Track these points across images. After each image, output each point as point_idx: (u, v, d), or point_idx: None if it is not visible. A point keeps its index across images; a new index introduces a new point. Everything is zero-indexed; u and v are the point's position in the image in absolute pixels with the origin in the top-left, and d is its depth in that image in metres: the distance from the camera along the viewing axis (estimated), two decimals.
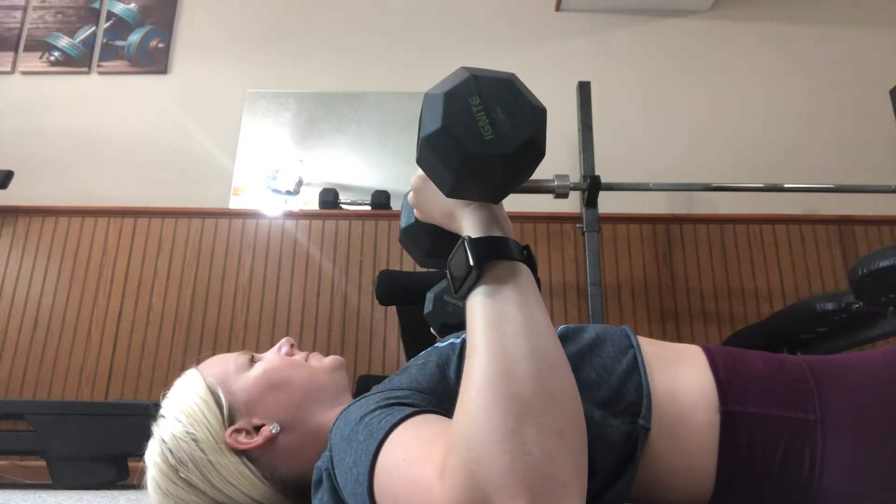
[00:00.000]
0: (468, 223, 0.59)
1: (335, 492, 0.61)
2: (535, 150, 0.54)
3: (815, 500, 0.64)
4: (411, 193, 0.70)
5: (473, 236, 0.56)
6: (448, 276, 0.57)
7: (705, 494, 0.66)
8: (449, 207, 0.62)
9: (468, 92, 0.53)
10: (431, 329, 0.96)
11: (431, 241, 0.73)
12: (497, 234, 0.57)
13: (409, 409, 0.56)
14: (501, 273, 0.53)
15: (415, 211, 0.71)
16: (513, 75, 0.57)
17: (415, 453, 0.50)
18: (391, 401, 0.58)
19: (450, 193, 0.58)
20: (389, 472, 0.50)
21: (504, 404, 0.44)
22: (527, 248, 0.57)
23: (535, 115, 0.55)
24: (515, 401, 0.44)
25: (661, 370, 0.69)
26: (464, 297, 0.54)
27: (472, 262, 0.53)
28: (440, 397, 0.64)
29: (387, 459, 0.51)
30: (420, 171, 0.65)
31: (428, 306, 0.93)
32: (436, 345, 0.75)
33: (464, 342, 0.72)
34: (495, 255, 0.54)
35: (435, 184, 0.58)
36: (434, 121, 0.53)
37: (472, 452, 0.43)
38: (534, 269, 0.57)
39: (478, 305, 0.52)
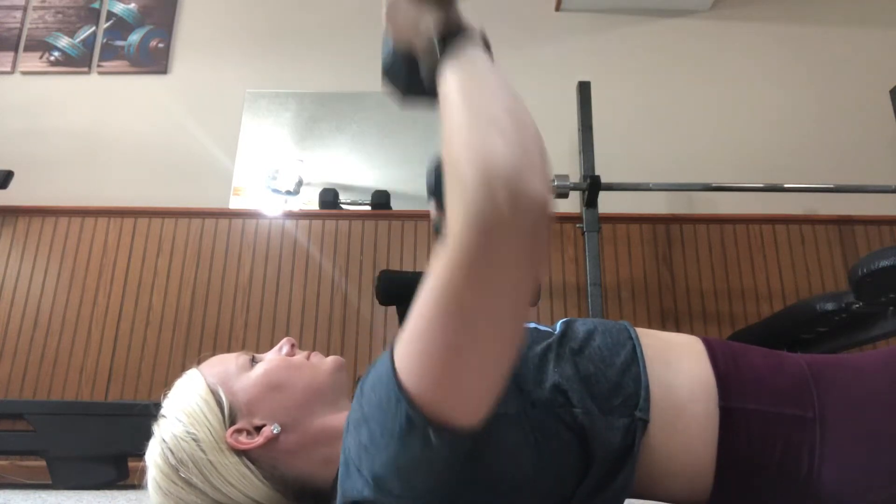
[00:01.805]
0: (431, 19, 0.64)
1: (346, 464, 0.62)
2: None
3: (814, 497, 0.65)
4: (384, 12, 0.72)
5: (435, 27, 0.62)
6: (422, 72, 0.64)
7: (705, 489, 0.66)
8: (414, 14, 0.66)
9: None
10: (432, 213, 0.92)
11: (408, 70, 0.75)
12: (455, 20, 0.62)
13: None
14: (466, 51, 0.59)
15: (389, 32, 0.73)
16: None
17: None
18: None
19: None
20: (405, 335, 0.56)
21: (476, 130, 0.50)
22: (483, 32, 0.63)
23: None
24: (486, 124, 0.50)
25: (660, 362, 0.69)
26: (436, 89, 0.59)
27: (437, 46, 0.60)
28: None
29: (402, 342, 0.56)
30: None
31: (429, 179, 0.91)
32: None
33: None
34: (457, 35, 0.60)
35: None
36: None
37: (458, 180, 0.48)
38: (490, 51, 0.62)
39: (447, 76, 0.57)
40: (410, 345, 0.54)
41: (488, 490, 0.62)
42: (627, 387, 0.67)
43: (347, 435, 0.63)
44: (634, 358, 0.69)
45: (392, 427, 0.54)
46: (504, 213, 0.45)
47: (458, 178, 0.48)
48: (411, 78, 0.74)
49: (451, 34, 0.61)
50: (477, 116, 0.51)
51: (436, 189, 0.81)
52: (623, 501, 0.67)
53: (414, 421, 0.52)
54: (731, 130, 2.91)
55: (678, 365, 0.70)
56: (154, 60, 3.09)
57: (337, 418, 0.74)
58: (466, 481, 0.60)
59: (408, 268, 2.68)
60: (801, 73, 2.98)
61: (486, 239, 0.46)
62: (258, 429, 0.73)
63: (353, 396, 0.80)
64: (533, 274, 0.49)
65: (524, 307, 0.50)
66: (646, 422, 0.65)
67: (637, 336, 0.72)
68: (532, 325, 0.75)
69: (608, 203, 2.53)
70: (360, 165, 2.95)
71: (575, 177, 2.49)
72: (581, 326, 0.73)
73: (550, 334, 0.72)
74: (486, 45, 0.62)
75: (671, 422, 0.66)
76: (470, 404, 0.53)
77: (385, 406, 0.55)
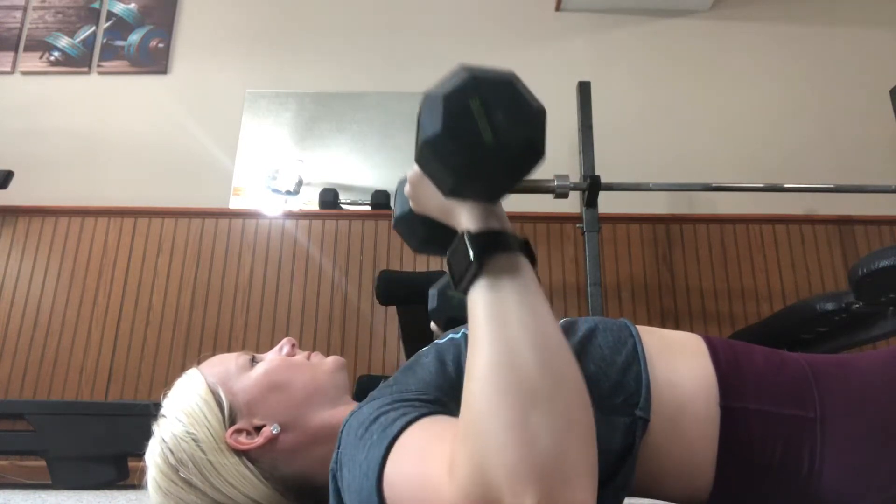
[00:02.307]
0: (466, 217, 0.58)
1: (338, 493, 0.61)
2: (534, 152, 0.54)
3: (814, 496, 0.65)
4: (408, 186, 0.69)
5: (472, 230, 0.56)
6: (448, 270, 0.57)
7: (705, 488, 0.66)
8: (446, 204, 0.62)
9: (468, 93, 0.52)
10: (433, 325, 0.96)
11: (426, 230, 0.73)
12: (496, 227, 0.57)
13: (423, 410, 0.56)
14: (502, 266, 0.52)
15: (410, 203, 0.71)
16: (513, 74, 0.56)
17: (424, 449, 0.50)
18: (404, 402, 0.59)
19: (449, 195, 0.58)
20: (399, 466, 0.51)
21: (509, 394, 0.44)
22: (525, 241, 0.57)
23: (535, 117, 0.54)
24: (520, 390, 0.44)
25: (661, 361, 0.69)
26: (464, 292, 0.54)
27: (472, 256, 0.53)
28: (444, 392, 0.64)
29: (397, 455, 0.52)
30: (416, 167, 0.65)
31: (432, 302, 0.92)
32: (435, 342, 0.75)
33: (464, 336, 0.72)
34: (495, 248, 0.54)
35: (434, 184, 0.58)
36: (434, 123, 0.52)
37: (478, 444, 0.43)
38: (533, 262, 0.56)
39: (479, 299, 0.51)
40: (404, 478, 0.51)
41: None
42: (628, 386, 0.67)
43: (336, 464, 0.62)
44: (635, 356, 0.69)
45: None
46: None
47: (487, 448, 0.42)
48: (428, 239, 0.74)
49: (489, 240, 0.54)
50: (510, 374, 0.45)
51: (438, 307, 0.82)
52: (622, 500, 0.67)
53: None
54: (731, 130, 2.91)
55: (679, 364, 0.70)
56: (154, 60, 3.09)
57: (336, 415, 0.74)
58: None
59: (408, 268, 2.68)
60: (801, 74, 2.98)
61: None
62: (258, 429, 0.73)
63: (352, 396, 0.80)
64: None
65: None
66: (646, 421, 0.65)
67: (638, 334, 0.72)
68: None
69: (608, 203, 2.52)
70: (360, 165, 2.95)
71: (575, 177, 2.48)
72: (582, 325, 0.73)
73: None
74: (529, 254, 0.56)
75: (672, 421, 0.66)
76: None
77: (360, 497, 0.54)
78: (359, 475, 0.54)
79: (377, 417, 0.57)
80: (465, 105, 0.52)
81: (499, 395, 0.44)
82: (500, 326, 0.49)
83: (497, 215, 0.58)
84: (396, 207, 0.76)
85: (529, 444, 0.41)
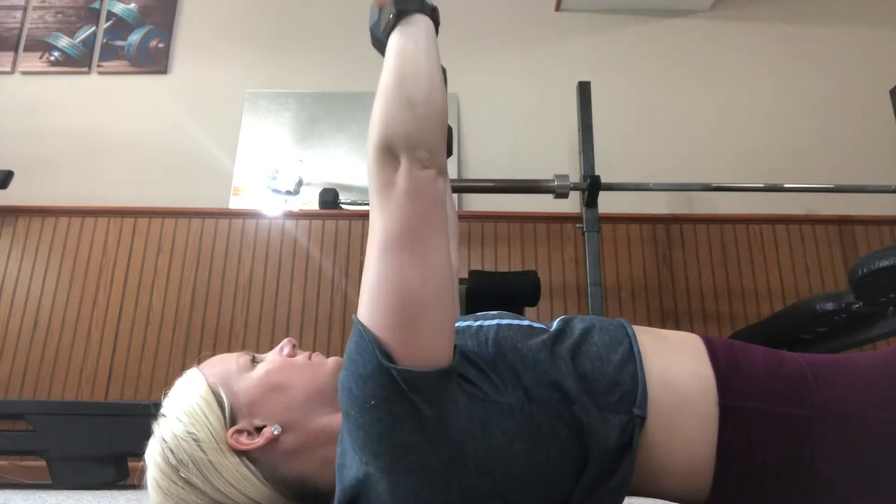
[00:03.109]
0: None
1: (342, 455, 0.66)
2: None
3: (813, 496, 0.65)
4: None
5: None
6: (372, 32, 0.79)
7: (704, 487, 0.67)
8: None
9: None
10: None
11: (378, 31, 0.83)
12: None
13: None
14: (415, 19, 0.72)
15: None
16: None
17: None
18: None
19: None
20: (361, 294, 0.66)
21: (403, 80, 0.67)
22: (434, 8, 0.75)
23: None
24: (409, 80, 0.67)
25: (658, 359, 0.70)
26: (386, 38, 0.73)
27: (393, 12, 0.72)
28: None
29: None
30: None
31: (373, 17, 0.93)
32: None
33: (462, 331, 0.74)
34: (408, 7, 0.72)
35: None
36: None
37: (382, 115, 0.66)
38: (437, 24, 0.76)
39: (394, 38, 0.71)
40: (365, 297, 0.63)
41: (482, 476, 0.62)
42: (624, 384, 0.67)
43: (342, 429, 0.65)
44: (631, 355, 0.69)
45: (365, 373, 0.59)
46: (392, 174, 0.63)
47: (370, 133, 0.66)
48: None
49: (406, 3, 0.72)
50: (400, 83, 0.67)
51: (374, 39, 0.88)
52: (622, 499, 0.67)
53: (384, 360, 0.58)
54: (731, 130, 2.91)
55: (677, 362, 0.70)
56: (154, 60, 3.09)
57: (338, 417, 0.74)
58: (455, 457, 0.60)
59: None
60: (801, 74, 2.98)
61: (383, 187, 0.64)
62: (259, 429, 0.73)
63: None
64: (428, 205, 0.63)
65: (436, 231, 0.65)
66: (643, 419, 0.65)
67: (634, 333, 0.72)
68: (526, 322, 0.74)
69: (608, 203, 2.52)
70: (360, 165, 2.95)
71: (575, 177, 2.49)
72: (578, 324, 0.73)
73: (545, 331, 0.72)
74: (435, 19, 0.76)
75: (670, 419, 0.66)
76: (428, 338, 0.60)
77: (357, 360, 0.60)
78: (348, 357, 0.63)
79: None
80: None
81: (395, 81, 0.67)
82: (407, 52, 0.69)
83: None
84: (370, 22, 0.87)
85: (412, 118, 0.65)
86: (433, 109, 0.66)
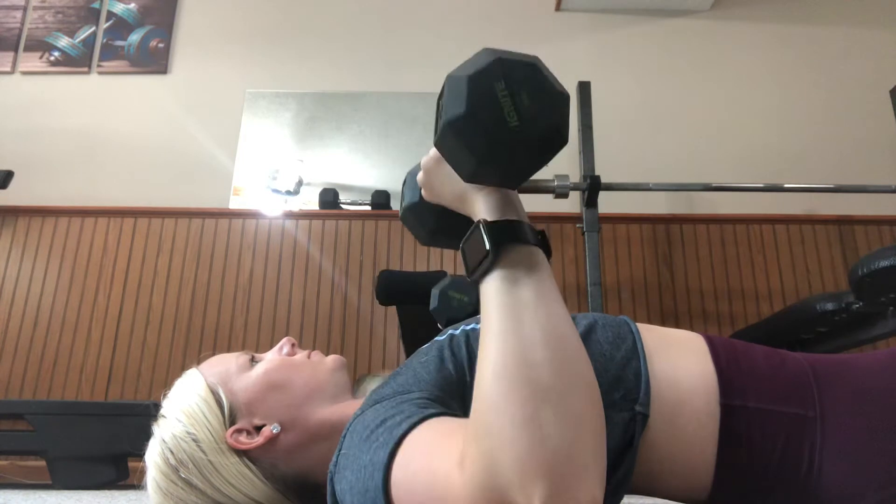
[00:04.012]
0: (482, 206, 0.58)
1: (334, 496, 0.61)
2: (558, 136, 0.54)
3: (814, 496, 0.64)
4: (421, 173, 0.69)
5: (489, 219, 0.55)
6: (463, 259, 0.57)
7: (705, 486, 0.66)
8: (462, 190, 0.61)
9: (494, 76, 0.52)
10: (438, 325, 0.96)
11: (435, 220, 0.72)
12: (513, 217, 0.56)
13: (429, 411, 0.56)
14: (517, 257, 0.52)
15: (422, 190, 0.70)
16: (537, 59, 0.56)
17: (432, 447, 0.50)
18: (409, 402, 0.59)
19: (469, 178, 0.57)
20: (406, 465, 0.51)
21: (521, 390, 0.44)
22: (542, 232, 0.56)
23: (560, 101, 0.54)
24: (533, 386, 0.44)
25: (661, 357, 0.69)
26: (477, 283, 0.54)
27: (487, 246, 0.52)
28: (445, 390, 0.64)
29: (404, 454, 0.51)
30: (433, 152, 0.65)
31: (433, 303, 0.93)
32: (435, 339, 0.75)
33: (463, 332, 0.72)
34: (511, 238, 0.53)
35: (453, 167, 0.57)
36: (458, 105, 0.52)
37: (489, 439, 0.43)
38: (548, 253, 0.56)
39: (492, 290, 0.51)
40: (412, 475, 0.51)
41: None
42: (628, 381, 0.67)
43: (335, 466, 0.62)
44: (635, 352, 0.69)
45: None
46: None
47: (495, 444, 0.43)
48: (437, 229, 0.73)
49: (504, 231, 0.53)
50: (522, 370, 0.45)
51: (439, 307, 0.82)
52: (621, 497, 0.67)
53: None
54: (731, 130, 2.91)
55: (679, 361, 0.70)
56: (154, 60, 3.09)
57: (337, 411, 0.74)
58: None
59: (408, 268, 2.68)
60: (801, 73, 2.98)
61: None
62: (258, 429, 0.73)
63: (353, 395, 0.80)
64: None
65: None
66: (646, 416, 0.65)
67: (637, 331, 0.72)
68: None
69: (608, 203, 2.52)
70: (360, 165, 2.95)
71: (575, 177, 2.49)
72: (581, 321, 0.73)
73: None
74: (545, 247, 0.55)
75: (671, 417, 0.66)
76: None
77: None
78: (364, 477, 0.54)
79: (383, 420, 0.57)
80: (490, 87, 0.52)
81: (511, 391, 0.44)
82: (513, 320, 0.48)
83: (514, 205, 0.58)
84: (405, 197, 0.75)
85: (540, 441, 0.42)
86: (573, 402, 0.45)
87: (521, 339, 0.47)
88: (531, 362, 0.45)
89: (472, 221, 0.57)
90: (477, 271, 0.53)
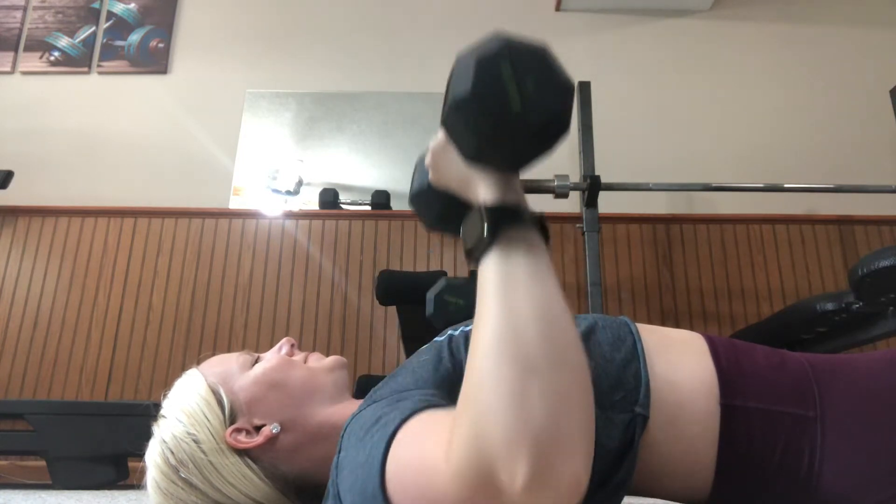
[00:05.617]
0: (484, 189, 0.58)
1: (337, 497, 0.61)
2: (561, 125, 0.54)
3: (814, 495, 0.65)
4: (429, 155, 0.69)
5: (489, 202, 0.56)
6: (462, 241, 0.57)
7: (705, 486, 0.66)
8: (466, 173, 0.62)
9: (501, 59, 0.52)
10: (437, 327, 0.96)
11: (442, 205, 0.73)
12: (512, 200, 0.57)
13: (422, 404, 0.56)
14: (515, 239, 0.52)
15: (430, 173, 0.70)
16: (546, 46, 0.56)
17: (422, 435, 0.50)
18: (406, 401, 0.59)
19: (471, 159, 0.58)
20: (399, 457, 0.51)
21: (509, 366, 0.44)
22: (541, 216, 0.56)
23: (565, 90, 0.54)
24: (521, 363, 0.44)
25: (660, 358, 0.69)
26: (476, 263, 0.54)
27: (486, 228, 0.53)
28: (442, 389, 0.64)
29: (397, 447, 0.52)
30: (441, 135, 0.66)
31: (429, 308, 0.93)
32: (434, 339, 0.75)
33: (462, 333, 0.73)
34: (510, 221, 0.54)
35: (456, 147, 0.58)
36: (464, 85, 0.52)
37: (475, 414, 0.43)
38: (546, 237, 0.56)
39: (489, 271, 0.51)
40: (404, 466, 0.50)
41: None
42: (628, 382, 0.67)
43: (336, 469, 0.62)
44: (635, 353, 0.69)
45: None
46: (517, 490, 0.40)
47: (482, 420, 0.42)
48: (442, 215, 0.74)
49: (504, 214, 0.54)
50: (513, 346, 0.45)
51: (436, 312, 0.83)
52: (622, 498, 0.67)
53: None
54: (731, 130, 2.91)
55: (679, 361, 0.70)
56: (154, 60, 3.09)
57: (337, 412, 0.74)
58: None
59: (408, 268, 2.68)
60: (801, 73, 2.98)
61: (485, 496, 0.41)
62: (258, 428, 0.73)
63: (352, 395, 0.80)
64: None
65: None
66: (646, 418, 0.65)
67: (637, 332, 0.72)
68: None
69: (608, 203, 2.52)
70: (360, 165, 2.95)
71: (575, 177, 2.49)
72: (581, 322, 0.73)
73: None
74: (544, 231, 0.56)
75: (672, 418, 0.66)
76: None
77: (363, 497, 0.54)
78: (362, 475, 0.54)
79: (378, 418, 0.57)
80: (496, 70, 0.52)
81: (499, 366, 0.44)
82: (507, 298, 0.49)
83: (515, 189, 0.58)
84: (414, 182, 0.76)
85: (526, 415, 0.41)
86: (563, 377, 0.45)
87: (512, 315, 0.47)
88: (520, 338, 0.45)
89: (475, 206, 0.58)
90: (475, 251, 0.54)
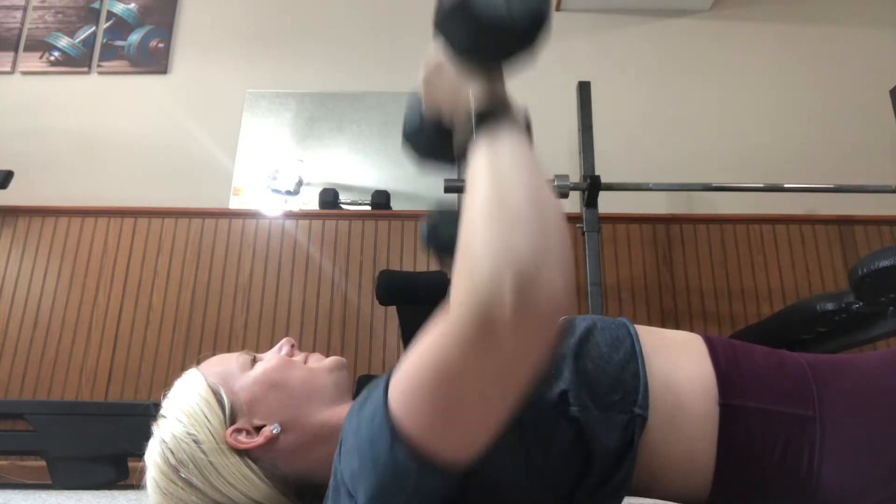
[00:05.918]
0: (474, 87, 0.63)
1: (336, 490, 0.61)
2: (543, 17, 0.58)
3: (814, 495, 0.65)
4: (422, 74, 0.72)
5: (477, 102, 0.61)
6: (454, 146, 0.63)
7: (704, 487, 0.66)
8: (456, 81, 0.66)
9: None
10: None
11: (435, 136, 0.76)
12: (500, 92, 0.62)
13: None
14: (501, 130, 0.58)
15: (422, 89, 0.74)
16: None
17: (419, 346, 0.53)
18: None
19: (461, 53, 0.62)
20: (398, 383, 0.53)
21: (497, 219, 0.49)
22: (525, 109, 0.62)
23: None
24: (507, 216, 0.49)
25: (659, 359, 0.69)
26: (467, 152, 0.59)
27: (474, 123, 0.59)
28: None
29: (396, 380, 0.54)
30: (432, 52, 0.70)
31: (422, 233, 0.92)
32: None
33: None
34: (500, 109, 0.59)
35: (447, 43, 0.62)
36: None
37: (469, 261, 0.48)
38: (529, 130, 0.62)
39: (478, 154, 0.57)
40: (405, 385, 0.53)
41: (479, 498, 0.61)
42: (626, 383, 0.67)
43: (339, 457, 0.62)
44: (633, 354, 0.69)
45: (383, 460, 0.54)
46: (508, 313, 0.45)
47: (471, 264, 0.48)
48: (434, 145, 0.77)
49: (492, 110, 0.60)
50: (500, 206, 0.50)
51: (429, 238, 0.83)
52: (622, 498, 0.67)
53: (404, 458, 0.52)
54: (731, 130, 2.91)
55: (678, 362, 0.70)
56: (154, 60, 3.09)
57: (337, 414, 0.74)
58: (455, 499, 0.59)
59: (408, 268, 2.68)
60: (801, 73, 2.98)
61: (486, 331, 0.46)
62: (258, 429, 0.73)
63: (353, 395, 0.80)
64: (534, 365, 0.48)
65: (521, 386, 0.50)
66: (644, 418, 0.65)
67: (636, 333, 0.72)
68: None
69: (608, 203, 2.52)
70: (360, 165, 2.95)
71: (575, 177, 2.49)
72: (580, 323, 0.73)
73: None
74: (528, 125, 0.61)
75: (670, 419, 0.66)
76: (462, 446, 0.52)
77: (377, 439, 0.54)
78: (366, 426, 0.56)
79: (371, 392, 0.59)
80: None
81: (488, 222, 0.49)
82: (494, 171, 0.54)
83: (502, 84, 0.63)
84: (407, 121, 0.80)
85: (511, 253, 0.46)
86: (549, 230, 0.50)
87: (501, 183, 0.52)
88: (508, 199, 0.51)
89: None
90: (465, 144, 0.59)
